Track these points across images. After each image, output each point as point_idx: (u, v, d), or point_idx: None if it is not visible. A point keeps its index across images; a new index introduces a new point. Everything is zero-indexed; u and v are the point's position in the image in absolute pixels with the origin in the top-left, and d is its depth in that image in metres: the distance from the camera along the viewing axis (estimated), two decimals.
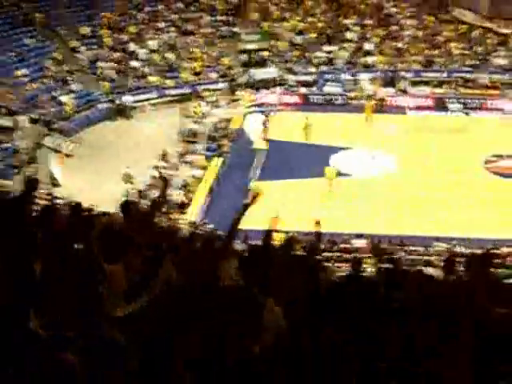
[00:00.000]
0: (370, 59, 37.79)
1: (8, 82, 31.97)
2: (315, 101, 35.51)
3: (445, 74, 36.73)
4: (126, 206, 6.72)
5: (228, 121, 32.25)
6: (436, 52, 38.22)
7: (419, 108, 34.12)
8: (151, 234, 5.71)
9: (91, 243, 4.94)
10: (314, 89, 36.44)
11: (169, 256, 4.69)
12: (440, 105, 34.34)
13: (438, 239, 20.97)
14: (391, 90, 35.79)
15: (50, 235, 4.92)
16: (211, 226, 19.02)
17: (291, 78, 36.94)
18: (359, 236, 20.61)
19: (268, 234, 5.53)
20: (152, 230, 5.72)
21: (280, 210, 6.56)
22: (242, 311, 3.44)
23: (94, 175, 26.31)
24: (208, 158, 28.65)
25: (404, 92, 35.76)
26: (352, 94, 35.16)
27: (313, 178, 25.96)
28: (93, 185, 24.38)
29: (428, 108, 34.26)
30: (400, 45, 38.62)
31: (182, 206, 24.77)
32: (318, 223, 7.06)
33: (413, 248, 19.86)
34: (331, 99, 35.48)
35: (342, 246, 20.01)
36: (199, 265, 4.68)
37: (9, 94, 31.29)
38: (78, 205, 6.91)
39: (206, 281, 3.67)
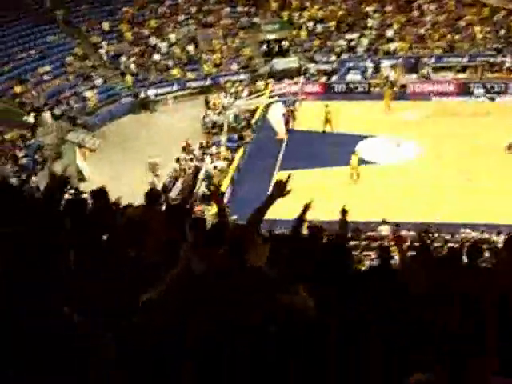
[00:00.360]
0: (391, 46, 37.47)
1: (31, 79, 32.34)
2: (337, 89, 35.36)
3: (468, 59, 36.21)
4: (152, 195, 6.73)
5: (250, 112, 32.24)
6: (458, 36, 37.68)
7: (442, 94, 33.75)
8: (179, 224, 5.73)
9: (117, 232, 5.08)
10: (336, 77, 36.28)
11: (188, 244, 4.71)
12: (463, 90, 33.92)
13: (464, 226, 20.78)
14: (414, 77, 35.46)
15: (79, 224, 4.98)
16: (234, 216, 19.01)
17: (312, 67, 36.82)
18: (385, 224, 20.46)
19: (300, 219, 5.53)
20: (181, 219, 5.71)
21: (304, 199, 6.46)
22: (263, 293, 3.44)
23: (118, 169, 26.54)
24: (230, 150, 28.70)
25: (427, 78, 35.39)
26: (374, 82, 34.94)
27: (336, 167, 25.86)
28: (117, 178, 24.54)
29: (451, 94, 33.86)
30: (422, 30, 38.19)
31: (206, 198, 24.83)
32: (343, 212, 7.02)
33: (439, 235, 19.71)
34: (353, 87, 35.29)
35: (368, 234, 19.93)
36: (225, 252, 4.66)
37: (32, 91, 31.66)
38: (102, 189, 6.96)
39: (232, 267, 3.60)
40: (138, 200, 9.21)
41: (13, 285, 2.19)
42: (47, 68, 33.47)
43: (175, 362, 3.07)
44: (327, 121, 29.74)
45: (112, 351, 2.61)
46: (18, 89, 31.35)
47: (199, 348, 3.19)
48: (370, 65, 36.41)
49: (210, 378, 3.11)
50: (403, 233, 17.58)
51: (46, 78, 32.98)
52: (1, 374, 2.22)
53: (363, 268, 7.23)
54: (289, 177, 4.66)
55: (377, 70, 35.95)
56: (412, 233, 19.52)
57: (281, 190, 4.61)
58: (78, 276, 3.24)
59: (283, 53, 37.99)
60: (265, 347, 3.20)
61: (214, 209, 22.81)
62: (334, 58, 37.45)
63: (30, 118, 29.95)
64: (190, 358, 3.15)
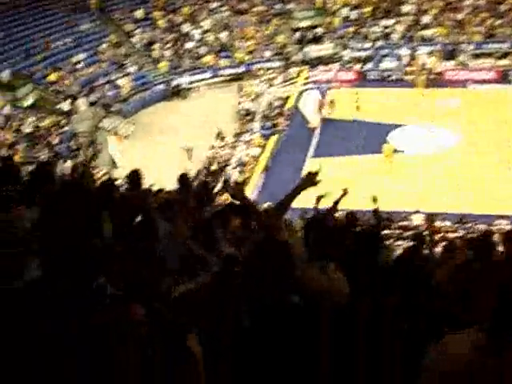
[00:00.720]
0: (427, 32, 36.69)
1: (66, 67, 32.64)
2: (371, 77, 34.82)
3: (509, 45, 35.10)
4: (184, 181, 6.82)
5: (283, 99, 32.04)
6: (499, 22, 36.57)
7: (481, 81, 32.89)
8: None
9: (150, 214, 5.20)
10: (370, 65, 35.71)
11: (223, 232, 4.78)
12: (503, 78, 33.04)
13: (501, 217, 20.27)
14: (451, 64, 34.70)
15: (112, 206, 5.07)
16: (266, 204, 18.92)
17: (346, 54, 36.32)
18: (417, 213, 20.12)
19: (333, 208, 5.61)
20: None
21: (336, 187, 6.42)
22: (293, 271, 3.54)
23: (150, 156, 26.63)
24: (263, 137, 28.57)
25: (465, 65, 34.56)
26: (409, 69, 34.28)
27: (369, 155, 25.55)
28: (149, 165, 24.61)
29: (489, 81, 32.99)
30: (460, 16, 37.25)
31: (243, 182, 24.90)
32: (375, 200, 6.94)
33: (473, 226, 19.30)
34: (388, 75, 34.71)
35: (401, 223, 19.62)
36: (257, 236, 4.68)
37: (67, 79, 31.96)
38: (137, 172, 7.18)
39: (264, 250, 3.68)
40: (170, 186, 9.29)
41: (56, 257, 2.32)
42: (81, 56, 33.73)
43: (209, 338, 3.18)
44: (357, 108, 29.39)
45: (143, 326, 2.66)
46: (53, 76, 31.67)
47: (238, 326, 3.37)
48: (405, 52, 35.73)
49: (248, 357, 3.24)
50: (437, 223, 17.24)
51: (80, 65, 33.25)
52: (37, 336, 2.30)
53: (394, 257, 7.11)
54: (319, 169, 4.72)
55: (412, 57, 35.26)
56: (447, 223, 19.19)
57: (310, 180, 4.65)
58: (114, 253, 3.32)
59: (317, 40, 37.54)
60: (296, 325, 3.32)
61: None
62: (368, 44, 36.86)
63: (65, 106, 30.26)
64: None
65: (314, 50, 36.49)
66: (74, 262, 2.25)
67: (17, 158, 22.31)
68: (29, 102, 28.80)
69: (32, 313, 2.28)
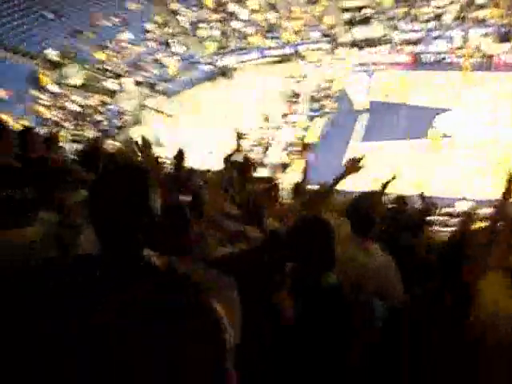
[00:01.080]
0: (481, 13, 35.54)
1: (112, 46, 32.87)
2: (422, 59, 33.96)
3: None
4: (229, 161, 6.95)
5: (330, 81, 31.62)
6: None
7: None
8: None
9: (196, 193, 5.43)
10: (421, 47, 34.82)
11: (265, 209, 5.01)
12: None
13: None
14: (505, 46, 33.56)
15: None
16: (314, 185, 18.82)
17: (396, 35, 35.52)
18: (463, 200, 19.64)
19: (382, 188, 5.65)
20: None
21: (382, 171, 6.42)
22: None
23: (195, 135, 26.64)
24: (310, 119, 28.29)
25: None
26: (461, 52, 33.32)
27: (416, 139, 25.03)
28: (193, 145, 24.65)
29: None
30: None
31: (285, 167, 24.85)
32: (394, 178, 6.94)
33: None
34: (439, 57, 33.81)
35: (446, 210, 19.17)
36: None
37: (114, 58, 32.21)
38: (181, 151, 7.64)
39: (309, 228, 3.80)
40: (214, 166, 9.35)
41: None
42: (128, 35, 33.90)
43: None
44: (404, 92, 28.77)
45: None
46: (99, 55, 31.94)
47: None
48: (457, 34, 34.72)
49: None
50: (484, 210, 16.76)
51: (127, 44, 33.44)
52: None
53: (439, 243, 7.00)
54: (362, 156, 4.97)
55: (465, 39, 34.24)
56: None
57: (355, 165, 4.91)
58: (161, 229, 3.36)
59: (366, 21, 36.82)
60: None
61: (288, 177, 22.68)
62: (419, 26, 35.94)
63: (111, 84, 30.52)
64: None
65: (362, 31, 35.81)
66: (124, 238, 2.24)
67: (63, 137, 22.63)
68: (76, 80, 29.14)
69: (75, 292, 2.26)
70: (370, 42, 35.20)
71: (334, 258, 3.59)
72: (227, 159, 6.89)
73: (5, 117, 18.90)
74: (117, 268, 2.24)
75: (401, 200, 7.74)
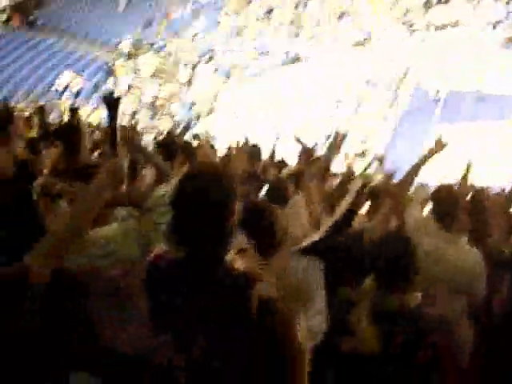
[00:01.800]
0: None
1: (185, 36, 33.06)
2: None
3: None
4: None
5: (406, 67, 30.75)
6: None
7: None
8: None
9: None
10: (500, 29, 33.19)
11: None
12: None
13: None
14: None
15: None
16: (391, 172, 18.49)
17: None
18: None
19: (463, 180, 5.69)
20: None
21: (460, 159, 6.23)
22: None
23: (268, 124, 26.49)
24: (384, 106, 27.64)
25: None
26: None
27: (495, 126, 24.09)
28: (266, 133, 24.55)
29: None
30: None
31: (362, 154, 24.47)
32: (469, 167, 6.65)
33: None
34: None
35: None
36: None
37: (187, 47, 32.41)
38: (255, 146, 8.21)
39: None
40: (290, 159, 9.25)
41: None
42: (201, 24, 33.99)
43: None
44: (479, 78, 27.61)
45: None
46: (172, 45, 32.16)
47: None
48: None
49: None
50: None
51: (199, 34, 33.55)
52: None
53: None
54: (443, 141, 5.01)
55: None
56: None
57: (433, 152, 4.96)
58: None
59: (444, 2, 35.48)
60: None
61: None
62: (501, 6, 34.31)
63: (185, 74, 30.69)
64: None
65: (440, 15, 34.54)
66: (209, 242, 2.34)
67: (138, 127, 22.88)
68: (150, 71, 29.47)
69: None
70: (446, 27, 33.91)
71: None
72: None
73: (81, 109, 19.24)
74: (200, 271, 2.33)
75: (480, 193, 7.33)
